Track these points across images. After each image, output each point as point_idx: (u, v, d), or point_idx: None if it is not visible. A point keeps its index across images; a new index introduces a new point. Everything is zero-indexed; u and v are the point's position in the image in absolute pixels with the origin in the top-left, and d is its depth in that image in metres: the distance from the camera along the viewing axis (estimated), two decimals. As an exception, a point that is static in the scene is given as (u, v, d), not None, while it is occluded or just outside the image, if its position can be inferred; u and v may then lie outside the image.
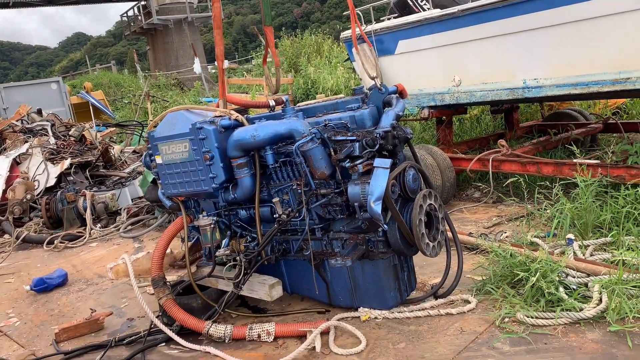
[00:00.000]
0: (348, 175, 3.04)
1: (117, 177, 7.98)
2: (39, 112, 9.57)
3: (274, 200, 3.27)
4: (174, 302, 3.45)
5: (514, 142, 7.11)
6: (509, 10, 5.09)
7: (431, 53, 5.97)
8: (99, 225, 6.63)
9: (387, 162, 2.96)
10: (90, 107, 11.01)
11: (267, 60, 4.20)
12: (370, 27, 6.48)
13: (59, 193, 6.79)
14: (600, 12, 4.48)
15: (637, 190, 4.19)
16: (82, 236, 6.36)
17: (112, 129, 9.87)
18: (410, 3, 6.65)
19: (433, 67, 6.04)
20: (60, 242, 6.18)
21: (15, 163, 7.99)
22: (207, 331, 3.28)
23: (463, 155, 5.98)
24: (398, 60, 6.31)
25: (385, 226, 3.02)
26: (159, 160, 3.49)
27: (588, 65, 4.71)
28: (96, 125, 9.63)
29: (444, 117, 6.65)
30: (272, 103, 3.65)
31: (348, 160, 3.00)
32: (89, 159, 8.04)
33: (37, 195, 7.36)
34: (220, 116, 3.41)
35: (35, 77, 72.09)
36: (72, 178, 7.69)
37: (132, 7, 33.22)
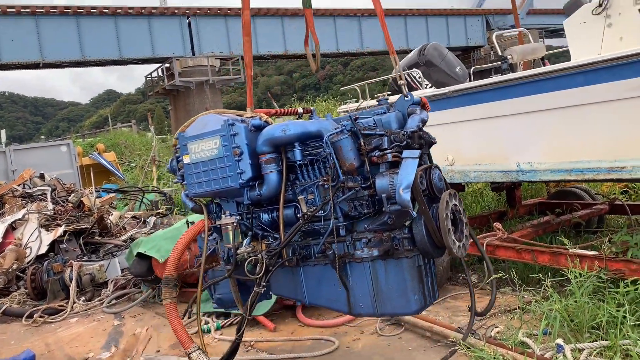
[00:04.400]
0: (376, 169, 3.08)
1: (112, 245, 7.86)
2: (42, 176, 9.65)
3: (299, 197, 3.26)
4: (175, 307, 3.52)
5: (516, 221, 6.83)
6: (501, 93, 4.98)
7: (424, 131, 5.84)
8: (83, 298, 6.45)
9: (416, 152, 2.99)
10: (91, 171, 11.08)
11: (308, 41, 4.31)
12: (365, 103, 6.43)
13: (45, 263, 6.67)
14: (595, 99, 4.34)
15: (638, 288, 3.88)
16: (64, 310, 6.17)
17: (112, 194, 9.88)
18: (409, 79, 6.60)
19: (427, 146, 5.89)
20: (40, 317, 6.00)
21: (11, 229, 7.95)
22: (190, 353, 3.34)
23: (457, 238, 5.71)
24: (392, 137, 6.20)
25: (414, 213, 2.95)
26: (186, 160, 3.51)
27: (583, 152, 4.51)
28: (96, 191, 9.64)
29: (441, 196, 6.43)
30: (300, 110, 3.85)
31: (377, 151, 3.06)
32: (84, 226, 7.96)
33: (28, 263, 7.26)
34: (251, 117, 3.49)
35: (66, 132, 74.34)
36: (64, 246, 7.59)
37: (157, 69, 34.38)
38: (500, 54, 5.88)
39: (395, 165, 3.02)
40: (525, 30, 6.78)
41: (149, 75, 35.68)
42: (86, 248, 7.82)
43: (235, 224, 3.36)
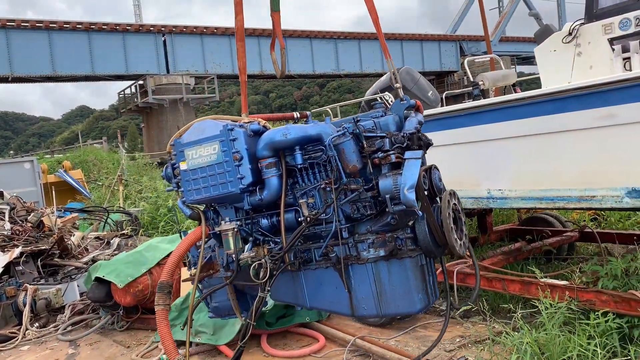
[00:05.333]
0: (377, 171, 3.14)
1: (72, 268, 7.53)
2: (0, 194, 9.26)
3: (300, 201, 3.28)
4: (166, 315, 3.47)
5: (487, 247, 6.76)
6: (473, 119, 4.93)
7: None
8: (37, 324, 6.11)
9: (419, 153, 3.08)
10: (53, 189, 10.70)
11: (275, 45, 4.28)
12: (336, 126, 6.32)
13: (-2, 287, 6.33)
14: (565, 127, 4.31)
15: (608, 319, 3.80)
16: (15, 337, 5.82)
17: (75, 214, 9.53)
18: (382, 102, 6.53)
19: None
20: (-11, 344, 5.65)
21: (-35, 249, 7.55)
22: None
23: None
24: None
25: (419, 212, 3.00)
26: (183, 166, 3.47)
27: (553, 180, 4.46)
28: (57, 210, 9.28)
29: (411, 220, 6.33)
30: (296, 115, 3.91)
31: (380, 152, 3.11)
32: (43, 247, 7.62)
33: (-19, 285, 6.87)
34: (249, 122, 3.49)
35: (36, 147, 72.78)
36: (21, 268, 7.22)
37: (130, 86, 33.97)
38: (472, 79, 5.86)
39: (397, 166, 3.10)
40: (497, 56, 6.81)
41: (122, 92, 35.25)
42: (44, 270, 7.46)
43: (235, 230, 3.34)
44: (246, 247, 3.42)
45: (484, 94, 5.95)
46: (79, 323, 6.18)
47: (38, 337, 5.91)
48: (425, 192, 3.07)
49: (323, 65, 36.77)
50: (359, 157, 3.13)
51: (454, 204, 3.21)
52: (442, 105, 6.63)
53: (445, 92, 7.29)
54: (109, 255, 7.89)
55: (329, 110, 7.04)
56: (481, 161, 4.96)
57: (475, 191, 5.08)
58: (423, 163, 3.24)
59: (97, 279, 5.73)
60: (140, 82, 32.35)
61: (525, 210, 7.73)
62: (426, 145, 3.35)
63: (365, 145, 3.13)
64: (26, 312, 6.09)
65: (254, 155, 3.33)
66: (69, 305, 6.49)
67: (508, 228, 7.19)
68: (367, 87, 7.30)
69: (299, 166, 3.32)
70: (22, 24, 28.21)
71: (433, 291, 3.34)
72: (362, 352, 4.62)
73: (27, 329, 5.96)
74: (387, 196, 3.01)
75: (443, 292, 3.99)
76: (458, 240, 3.13)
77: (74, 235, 8.52)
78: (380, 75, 7.17)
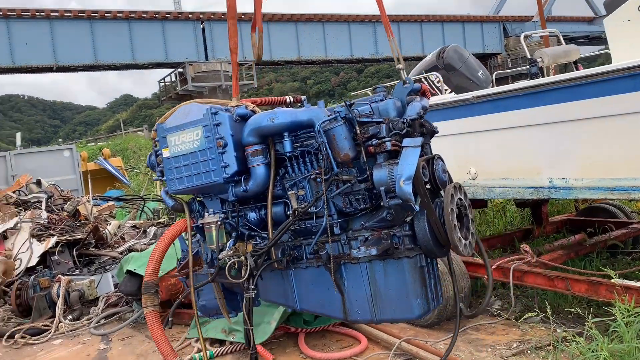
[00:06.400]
0: (373, 161, 2.86)
1: (107, 257, 7.39)
2: (38, 182, 9.23)
3: (289, 193, 3.04)
4: (157, 316, 3.35)
5: (543, 240, 6.23)
6: (532, 99, 4.41)
7: (443, 141, 5.24)
8: (69, 317, 5.95)
9: (418, 140, 2.76)
10: (89, 177, 10.65)
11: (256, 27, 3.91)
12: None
13: (32, 278, 6.21)
14: (643, 105, 3.75)
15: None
16: (48, 330, 5.68)
17: (110, 203, 9.42)
18: (427, 84, 6.05)
19: (445, 157, 5.31)
20: (22, 337, 5.52)
21: (3, 238, 7.52)
22: None
23: (480, 261, 5.13)
24: (408, 147, 5.64)
25: (416, 207, 2.70)
26: (165, 153, 3.25)
27: (629, 167, 3.92)
28: (93, 199, 9.19)
29: (461, 211, 5.86)
30: (290, 99, 3.65)
31: (375, 139, 2.82)
32: (78, 237, 7.50)
33: (17, 276, 6.81)
34: (236, 106, 3.24)
35: (82, 135, 74.82)
36: (56, 258, 7.13)
37: (170, 74, 34.19)
38: (529, 55, 5.30)
39: (394, 155, 2.80)
40: (556, 30, 6.19)
41: (162, 80, 35.50)
42: (80, 260, 7.34)
43: (219, 223, 3.12)
44: (228, 244, 3.17)
45: (542, 72, 5.40)
46: (112, 316, 6.00)
47: (71, 331, 5.75)
48: (427, 185, 2.77)
49: (361, 49, 36.00)
50: (352, 145, 2.83)
51: (459, 198, 2.86)
52: (492, 87, 6.10)
53: (496, 72, 6.74)
54: (145, 244, 7.73)
55: (369, 92, 6.62)
56: (542, 147, 4.45)
57: (534, 180, 4.58)
58: (426, 152, 2.96)
59: (130, 272, 5.52)
60: (180, 69, 32.48)
61: (582, 200, 7.13)
62: (430, 133, 3.01)
63: (359, 132, 2.83)
64: (59, 304, 5.94)
65: (240, 142, 3.07)
66: (103, 298, 6.33)
67: (565, 219, 6.63)
68: (407, 72, 6.83)
69: (289, 154, 3.06)
70: (65, 14, 28.63)
71: (434, 296, 3.00)
72: (408, 357, 4.22)
73: (60, 322, 5.81)
74: (382, 188, 2.72)
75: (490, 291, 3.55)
76: (462, 239, 2.78)
77: (109, 224, 8.40)
78: (421, 58, 6.67)
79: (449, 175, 2.99)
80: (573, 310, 4.04)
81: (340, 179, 2.89)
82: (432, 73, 5.87)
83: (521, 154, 4.64)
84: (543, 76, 5.22)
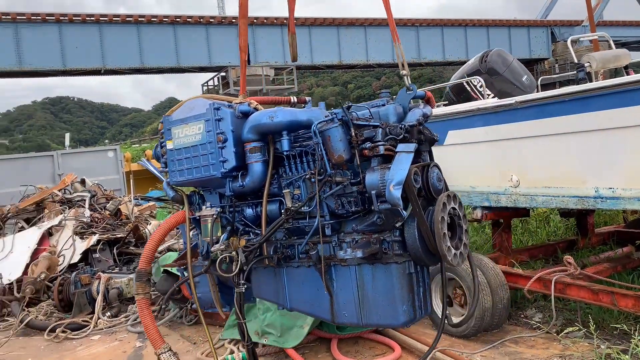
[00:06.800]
0: (367, 165, 2.86)
1: (146, 256, 7.52)
2: (83, 182, 9.50)
3: (284, 191, 3.07)
4: (147, 303, 3.39)
5: (588, 252, 6.00)
6: (578, 105, 4.24)
7: (485, 147, 5.15)
8: (108, 313, 6.09)
9: (412, 146, 2.76)
10: (131, 177, 10.88)
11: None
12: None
13: (73, 274, 6.38)
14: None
15: None
16: (87, 326, 5.82)
17: (151, 203, 9.61)
18: (468, 88, 5.92)
19: (487, 163, 5.19)
20: (62, 332, 5.67)
21: (48, 235, 7.76)
22: (160, 354, 3.33)
23: (521, 272, 4.96)
24: (447, 152, 5.50)
25: (404, 213, 2.72)
26: (169, 145, 3.32)
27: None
28: (135, 199, 9.39)
29: (501, 220, 5.70)
30: (293, 99, 3.68)
31: (369, 142, 2.82)
32: (119, 235, 7.67)
33: (60, 271, 7.01)
34: (240, 102, 3.28)
35: (128, 137, 77.00)
36: (97, 255, 7.31)
37: (213, 78, 34.77)
38: (576, 60, 5.11)
39: (388, 160, 2.80)
40: (606, 34, 5.95)
41: (206, 84, 36.12)
42: (120, 258, 7.51)
43: (215, 216, 3.19)
44: (221, 237, 3.21)
45: (590, 77, 5.19)
46: (149, 314, 6.09)
47: (109, 327, 5.87)
48: (421, 192, 2.78)
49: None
50: (347, 147, 2.84)
51: (453, 207, 2.83)
52: (537, 92, 5.92)
53: (541, 78, 6.54)
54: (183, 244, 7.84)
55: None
56: (588, 155, 4.27)
57: (579, 189, 4.39)
58: (423, 160, 2.96)
59: (166, 271, 5.60)
60: (223, 73, 32.98)
61: (631, 211, 6.83)
62: (430, 140, 2.99)
63: (354, 134, 2.83)
64: (99, 300, 6.09)
65: (240, 138, 3.13)
66: (141, 296, 6.43)
67: (613, 230, 6.37)
68: (449, 77, 6.71)
69: (286, 153, 3.10)
70: (114, 18, 29.51)
71: (422, 304, 2.97)
72: (443, 368, 4.11)
73: (99, 318, 5.94)
74: (373, 192, 2.71)
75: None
76: (452, 248, 2.75)
77: (150, 224, 8.56)
78: (464, 63, 6.53)
79: (445, 184, 2.97)
80: (619, 326, 3.85)
81: (333, 180, 2.90)
82: (474, 77, 5.74)
83: (566, 162, 4.47)
84: (591, 81, 5.03)
